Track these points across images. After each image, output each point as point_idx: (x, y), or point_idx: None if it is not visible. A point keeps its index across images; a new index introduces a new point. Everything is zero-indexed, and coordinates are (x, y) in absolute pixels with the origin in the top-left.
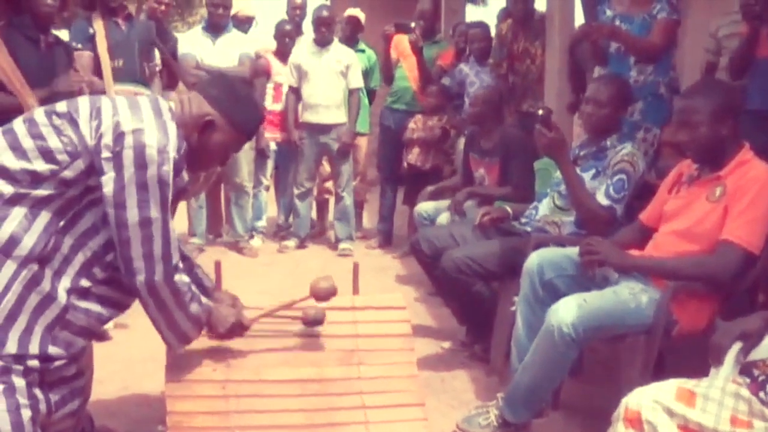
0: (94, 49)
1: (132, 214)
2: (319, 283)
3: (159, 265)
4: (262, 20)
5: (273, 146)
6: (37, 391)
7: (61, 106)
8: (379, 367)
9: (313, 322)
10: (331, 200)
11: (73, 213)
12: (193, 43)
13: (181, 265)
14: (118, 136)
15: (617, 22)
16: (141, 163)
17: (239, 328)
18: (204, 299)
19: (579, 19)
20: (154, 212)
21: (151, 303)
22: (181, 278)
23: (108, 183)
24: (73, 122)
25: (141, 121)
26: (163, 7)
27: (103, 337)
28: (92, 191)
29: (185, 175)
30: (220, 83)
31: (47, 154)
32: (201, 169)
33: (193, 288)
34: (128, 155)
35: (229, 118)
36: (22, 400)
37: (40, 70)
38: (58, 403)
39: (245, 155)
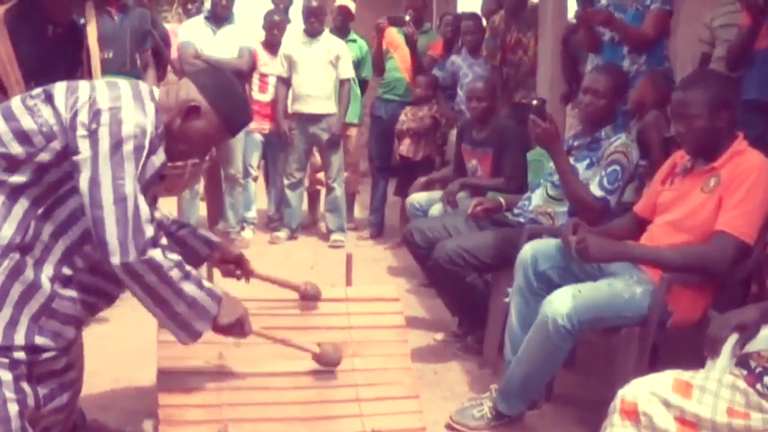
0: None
1: (107, 194)
2: (327, 348)
3: (132, 243)
4: (243, 9)
5: (259, 137)
6: (25, 385)
7: (37, 90)
8: (373, 359)
9: (311, 297)
10: (323, 191)
11: (52, 201)
12: (193, 32)
13: (164, 241)
14: (95, 114)
15: None
16: (117, 140)
17: (240, 328)
18: (208, 283)
19: (572, 9)
20: (129, 188)
21: (135, 287)
22: (165, 255)
23: (85, 162)
24: (49, 98)
25: (118, 98)
26: None
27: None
28: (70, 178)
29: (161, 155)
30: (214, 74)
31: (22, 136)
32: (179, 158)
33: (187, 267)
34: (104, 133)
35: (216, 109)
36: (9, 394)
37: (42, 62)
38: (47, 397)
39: (240, 145)
